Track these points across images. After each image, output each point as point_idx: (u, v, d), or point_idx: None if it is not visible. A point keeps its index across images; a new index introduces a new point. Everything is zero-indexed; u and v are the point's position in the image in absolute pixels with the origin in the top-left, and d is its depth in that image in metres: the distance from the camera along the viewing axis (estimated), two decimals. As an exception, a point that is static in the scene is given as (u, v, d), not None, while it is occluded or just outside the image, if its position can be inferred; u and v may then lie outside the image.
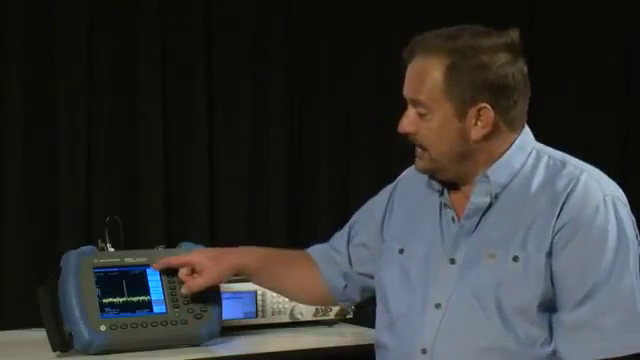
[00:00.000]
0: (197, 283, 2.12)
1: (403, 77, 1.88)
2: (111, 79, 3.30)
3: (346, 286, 2.14)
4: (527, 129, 1.89)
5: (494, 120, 1.81)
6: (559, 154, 1.88)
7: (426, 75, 1.81)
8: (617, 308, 1.73)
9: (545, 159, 1.86)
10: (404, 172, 2.09)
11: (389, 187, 2.09)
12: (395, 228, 2.00)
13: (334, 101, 3.71)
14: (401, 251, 1.94)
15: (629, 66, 3.90)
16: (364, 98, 3.71)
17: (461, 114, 1.80)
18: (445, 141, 1.82)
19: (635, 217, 1.84)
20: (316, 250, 2.21)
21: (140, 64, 3.35)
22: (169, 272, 2.18)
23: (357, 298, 2.17)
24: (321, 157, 3.69)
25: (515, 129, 1.86)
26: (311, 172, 3.68)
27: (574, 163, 1.85)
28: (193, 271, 2.14)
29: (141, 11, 3.34)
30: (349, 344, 2.21)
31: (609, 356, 1.73)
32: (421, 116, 1.83)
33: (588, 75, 3.89)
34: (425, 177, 1.94)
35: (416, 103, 1.83)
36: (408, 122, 1.85)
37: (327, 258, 2.16)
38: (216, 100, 3.49)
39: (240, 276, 2.24)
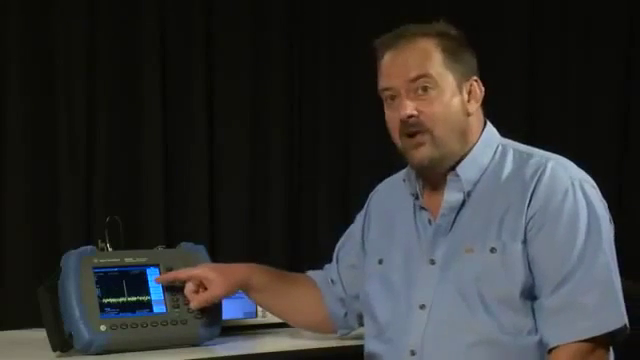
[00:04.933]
0: (205, 298, 2.11)
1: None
2: (111, 79, 3.30)
3: (346, 314, 2.15)
4: (490, 125, 1.94)
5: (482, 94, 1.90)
6: (524, 147, 1.92)
7: (429, 51, 1.86)
8: (595, 287, 1.75)
9: (511, 152, 1.90)
10: (376, 187, 2.12)
11: (363, 209, 2.12)
12: (373, 241, 2.03)
13: (334, 101, 3.71)
14: (380, 261, 1.97)
15: (629, 66, 3.90)
16: (364, 98, 3.71)
17: (460, 88, 1.87)
18: (450, 117, 1.85)
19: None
20: (317, 275, 2.21)
21: (140, 64, 3.35)
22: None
23: (356, 325, 2.17)
24: (321, 157, 3.69)
25: (483, 114, 1.93)
26: (311, 172, 3.68)
27: (540, 153, 1.89)
28: (198, 284, 2.13)
29: (141, 11, 3.35)
30: (349, 344, 2.20)
31: (591, 335, 1.75)
32: (423, 95, 1.84)
33: (588, 75, 3.89)
34: (397, 187, 1.98)
35: (423, 78, 1.84)
36: (411, 106, 1.85)
37: (327, 284, 2.17)
38: (216, 100, 3.50)
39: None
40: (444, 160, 1.87)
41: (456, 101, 1.85)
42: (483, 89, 1.90)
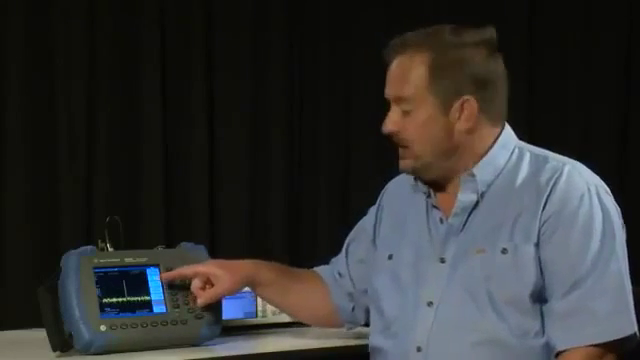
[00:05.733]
0: (212, 294, 2.10)
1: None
2: (111, 79, 3.31)
3: (354, 308, 2.14)
4: (508, 127, 1.92)
5: (477, 113, 1.84)
6: (541, 150, 1.91)
7: (410, 72, 1.84)
8: (606, 293, 1.75)
9: (527, 155, 1.88)
10: (389, 183, 2.11)
11: (376, 203, 2.12)
12: (384, 236, 2.03)
13: (334, 101, 3.71)
14: (390, 257, 1.96)
15: (629, 66, 3.90)
16: (364, 98, 3.71)
17: (445, 108, 1.83)
18: (430, 137, 1.84)
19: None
20: (324, 270, 2.20)
21: (140, 64, 3.35)
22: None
23: (362, 320, 2.16)
24: (321, 157, 3.69)
25: (496, 124, 1.88)
26: (311, 172, 3.68)
27: (556, 157, 1.88)
28: (205, 281, 2.12)
29: (141, 11, 3.35)
30: (349, 344, 2.20)
31: (601, 341, 1.75)
32: (405, 114, 1.85)
33: (588, 75, 3.89)
34: (410, 183, 1.97)
35: (400, 100, 1.85)
36: (392, 122, 1.87)
37: (334, 279, 2.17)
38: (216, 100, 3.50)
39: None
40: (429, 171, 1.87)
41: (436, 122, 1.83)
42: (476, 106, 1.83)
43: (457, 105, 1.82)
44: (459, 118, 1.83)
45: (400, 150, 1.88)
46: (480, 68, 1.83)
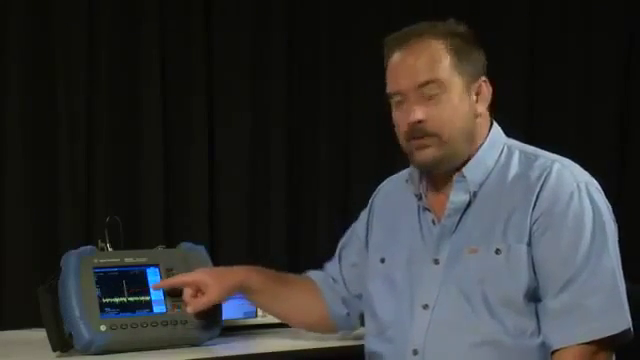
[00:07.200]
0: (201, 303, 2.10)
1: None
2: (111, 79, 3.30)
3: (348, 314, 2.15)
4: (496, 125, 1.93)
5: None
6: (530, 148, 1.92)
7: (438, 53, 1.85)
8: (599, 290, 1.75)
9: (517, 154, 1.89)
10: (380, 185, 2.12)
11: (367, 206, 2.12)
12: (376, 240, 2.03)
13: (334, 101, 3.71)
14: (382, 260, 1.97)
15: (629, 66, 3.90)
16: (364, 98, 3.71)
17: (469, 89, 1.86)
18: (460, 118, 1.85)
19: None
20: (317, 275, 2.20)
21: (140, 64, 3.35)
22: (169, 273, 2.18)
23: (357, 325, 2.17)
24: (321, 157, 3.69)
25: (490, 113, 1.92)
26: (311, 172, 3.68)
27: (546, 155, 1.89)
28: (196, 289, 2.12)
29: (141, 11, 3.35)
30: (349, 344, 2.20)
31: (595, 338, 1.75)
32: (432, 99, 1.83)
33: (588, 75, 3.89)
34: (401, 187, 1.98)
35: (427, 84, 1.83)
36: (421, 109, 1.83)
37: (327, 284, 2.17)
38: (216, 100, 3.50)
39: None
40: (449, 161, 1.86)
41: (464, 104, 1.85)
42: (491, 89, 1.88)
43: (476, 86, 1.87)
44: (477, 102, 1.87)
45: (425, 140, 1.84)
46: (483, 55, 1.90)
